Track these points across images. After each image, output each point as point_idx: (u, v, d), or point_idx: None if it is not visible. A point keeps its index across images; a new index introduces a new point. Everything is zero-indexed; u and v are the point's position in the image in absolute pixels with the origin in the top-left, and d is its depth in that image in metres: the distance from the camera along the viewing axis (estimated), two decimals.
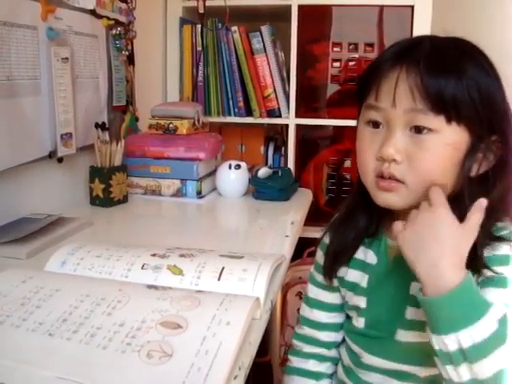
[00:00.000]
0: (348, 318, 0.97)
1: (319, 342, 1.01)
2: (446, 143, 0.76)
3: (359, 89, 0.86)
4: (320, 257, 0.99)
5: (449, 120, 0.75)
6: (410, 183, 0.78)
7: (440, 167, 0.77)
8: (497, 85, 0.78)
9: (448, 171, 0.78)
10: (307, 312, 1.03)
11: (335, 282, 0.96)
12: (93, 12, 1.47)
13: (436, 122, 0.75)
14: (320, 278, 0.99)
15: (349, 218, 0.93)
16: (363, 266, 0.91)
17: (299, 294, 1.92)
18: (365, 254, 0.92)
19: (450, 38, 0.81)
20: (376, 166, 0.81)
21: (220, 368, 0.56)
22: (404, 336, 0.84)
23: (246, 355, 0.64)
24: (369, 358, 0.90)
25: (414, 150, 0.77)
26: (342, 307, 0.98)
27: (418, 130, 0.76)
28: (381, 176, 0.80)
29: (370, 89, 0.82)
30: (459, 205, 0.75)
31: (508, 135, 0.78)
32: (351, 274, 0.93)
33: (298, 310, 1.87)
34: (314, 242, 1.94)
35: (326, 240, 0.97)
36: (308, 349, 1.03)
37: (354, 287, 0.92)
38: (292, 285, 1.94)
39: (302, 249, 1.99)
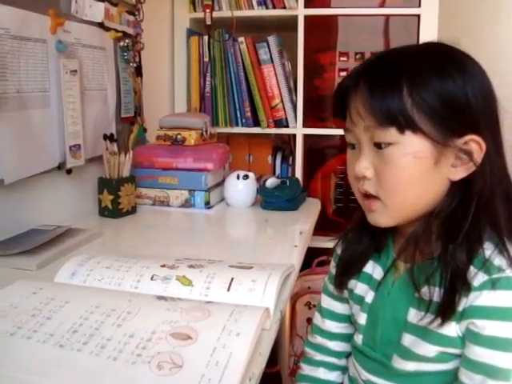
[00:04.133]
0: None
1: (330, 351, 1.02)
2: (404, 153, 0.76)
3: (334, 113, 0.88)
4: (333, 267, 1.00)
5: (401, 131, 0.75)
6: (383, 198, 0.80)
7: (405, 179, 0.78)
8: (462, 84, 0.75)
9: (417, 183, 0.78)
10: (319, 321, 1.03)
11: (346, 294, 0.97)
12: (101, 25, 1.48)
13: (389, 134, 0.76)
14: (332, 288, 0.99)
15: (358, 230, 0.93)
16: (370, 281, 0.91)
17: (308, 304, 1.91)
18: (373, 269, 0.91)
19: (413, 46, 0.83)
20: (357, 185, 0.83)
21: (230, 379, 0.56)
22: (401, 364, 0.82)
23: (256, 366, 0.64)
24: (365, 375, 0.89)
25: (379, 164, 0.79)
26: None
27: (378, 145, 0.78)
28: (364, 195, 0.83)
29: (341, 111, 0.85)
30: (448, 214, 0.78)
31: (486, 131, 0.77)
32: (359, 288, 0.92)
33: (308, 319, 1.90)
34: (323, 252, 1.97)
35: (339, 251, 0.98)
36: (319, 357, 1.03)
37: (360, 301, 0.92)
38: (301, 295, 1.93)
39: (311, 259, 1.99)
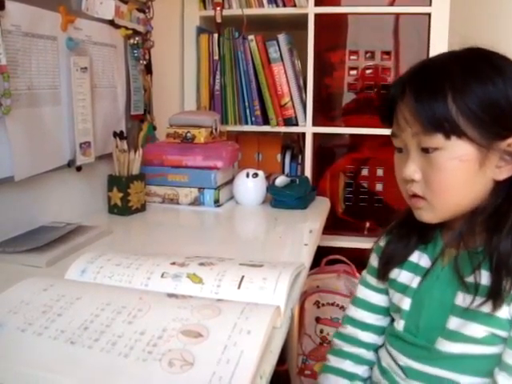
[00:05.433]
0: (392, 321, 0.99)
1: (359, 342, 1.03)
2: (451, 158, 0.80)
3: (382, 118, 0.92)
4: (374, 259, 1.03)
5: (447, 136, 0.79)
6: (429, 199, 0.85)
7: (452, 181, 0.82)
8: (503, 88, 0.79)
9: (463, 184, 0.82)
10: (352, 311, 1.05)
11: (386, 284, 0.99)
12: (111, 22, 1.48)
13: (436, 140, 0.80)
14: (371, 279, 1.03)
15: (405, 226, 0.97)
16: (415, 269, 0.93)
17: (317, 303, 1.91)
18: (419, 258, 0.94)
19: (454, 53, 0.86)
20: (405, 186, 0.88)
21: (242, 377, 0.56)
22: (445, 346, 0.84)
23: (267, 364, 0.63)
24: (405, 361, 0.91)
25: (426, 168, 0.83)
26: (387, 310, 1.01)
27: (425, 150, 0.82)
28: (411, 195, 0.87)
29: (388, 117, 0.89)
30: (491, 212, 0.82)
31: None
32: (403, 276, 0.95)
33: (316, 319, 1.89)
34: (332, 251, 1.96)
35: (382, 243, 1.01)
36: (347, 348, 1.05)
37: (404, 289, 0.94)
38: (310, 294, 1.93)
39: (320, 257, 1.99)
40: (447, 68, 0.82)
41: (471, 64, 0.82)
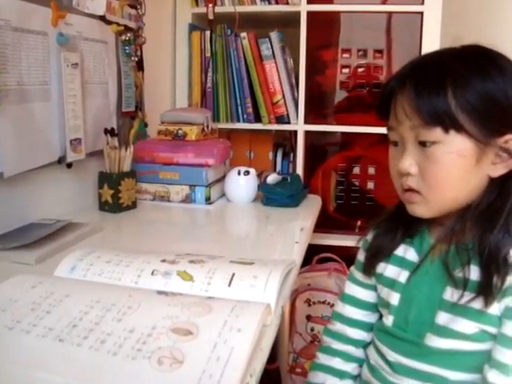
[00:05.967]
0: (380, 317, 1.00)
1: (348, 339, 1.03)
2: (448, 152, 0.81)
3: (379, 111, 0.92)
4: (361, 254, 1.03)
5: (446, 130, 0.79)
6: (425, 193, 0.85)
7: (448, 176, 0.82)
8: (502, 85, 0.80)
9: (460, 179, 0.83)
10: (340, 307, 1.06)
11: (373, 280, 1.00)
12: (103, 18, 1.47)
13: (434, 134, 0.80)
14: (359, 275, 1.03)
15: (393, 220, 0.97)
16: (402, 263, 0.94)
17: (308, 301, 1.91)
18: (405, 252, 0.94)
19: (454, 49, 0.87)
20: (400, 180, 0.88)
21: (232, 374, 0.56)
22: (435, 341, 0.85)
23: (257, 362, 0.63)
24: (395, 357, 0.91)
25: (423, 162, 0.83)
26: (375, 306, 1.01)
27: (423, 143, 0.83)
28: (406, 189, 0.87)
29: (385, 110, 0.89)
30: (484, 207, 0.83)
31: None
32: (390, 270, 0.95)
33: (307, 317, 1.89)
34: (323, 249, 1.96)
35: (369, 238, 1.02)
36: (336, 345, 1.05)
37: (391, 283, 0.94)
38: (301, 291, 1.93)
39: (311, 256, 1.98)
40: (448, 63, 0.82)
41: (471, 60, 0.83)
